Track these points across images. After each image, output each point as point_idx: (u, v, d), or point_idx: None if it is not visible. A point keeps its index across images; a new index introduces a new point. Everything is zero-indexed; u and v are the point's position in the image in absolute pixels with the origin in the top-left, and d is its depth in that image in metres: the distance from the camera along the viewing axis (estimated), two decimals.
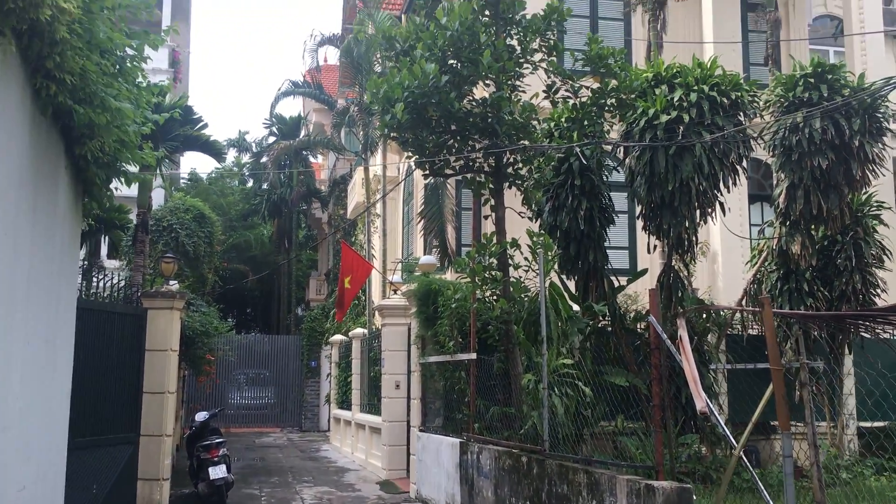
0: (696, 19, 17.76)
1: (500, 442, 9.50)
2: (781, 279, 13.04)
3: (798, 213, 12.27)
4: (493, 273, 9.93)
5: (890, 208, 13.89)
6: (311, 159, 35.13)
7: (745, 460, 12.78)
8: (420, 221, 16.70)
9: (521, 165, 10.38)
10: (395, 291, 15.26)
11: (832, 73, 11.97)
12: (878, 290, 13.04)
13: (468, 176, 10.64)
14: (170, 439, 11.38)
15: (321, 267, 36.71)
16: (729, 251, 16.96)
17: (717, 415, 5.96)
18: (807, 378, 5.20)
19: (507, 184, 10.45)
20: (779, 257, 12.97)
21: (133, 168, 7.36)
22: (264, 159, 34.58)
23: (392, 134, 9.81)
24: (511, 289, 10.11)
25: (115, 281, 11.66)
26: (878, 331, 9.86)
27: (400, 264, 18.33)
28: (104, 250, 20.65)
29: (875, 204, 13.32)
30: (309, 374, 27.52)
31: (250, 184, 40.57)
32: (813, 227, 12.57)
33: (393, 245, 21.32)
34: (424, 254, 17.20)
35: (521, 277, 10.22)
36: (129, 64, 5.95)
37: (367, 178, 20.48)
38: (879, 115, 11.92)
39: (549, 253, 9.76)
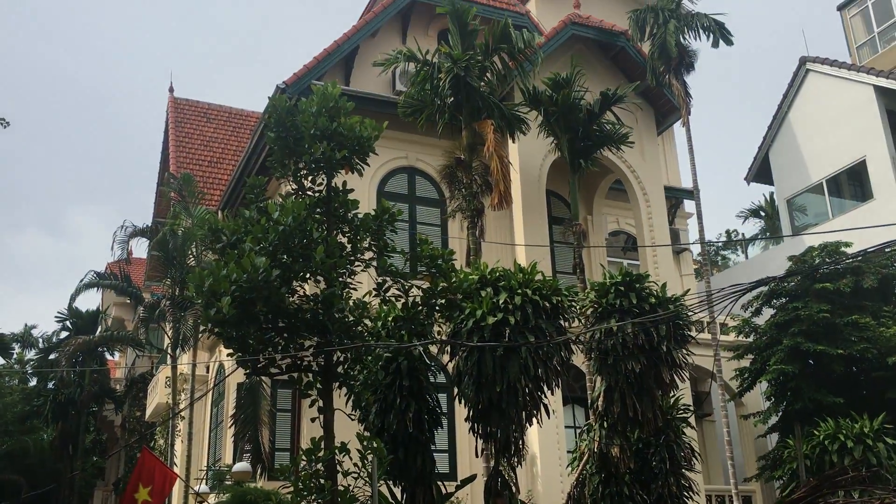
0: (509, 228, 18.84)
1: None
2: (602, 483, 13.10)
3: (616, 415, 12.60)
4: (321, 481, 9.22)
5: (694, 412, 14.67)
6: (108, 356, 32.73)
7: None
8: (232, 424, 15.60)
9: (350, 365, 10.01)
10: (200, 503, 13.85)
11: (639, 283, 12.80)
12: (692, 493, 13.41)
13: (294, 375, 10.09)
14: None
15: (109, 475, 33.23)
16: (547, 454, 17.05)
17: None
18: None
19: (338, 384, 10.00)
20: (599, 460, 13.10)
21: None
22: (53, 356, 31.78)
23: (216, 329, 9.22)
24: (339, 499, 9.38)
25: None
26: None
27: (209, 472, 16.85)
28: None
29: (682, 407, 13.98)
30: None
31: (33, 382, 36.88)
32: (629, 429, 12.92)
33: (198, 450, 19.70)
34: (235, 459, 15.94)
35: (349, 486, 9.55)
36: None
37: (175, 377, 19.17)
38: (682, 323, 12.80)
39: (381, 459, 9.24)
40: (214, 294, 8.88)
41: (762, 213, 36.02)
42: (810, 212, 25.13)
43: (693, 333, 13.14)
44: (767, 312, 19.33)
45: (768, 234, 34.11)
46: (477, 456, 12.64)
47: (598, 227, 21.85)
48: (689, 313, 12.64)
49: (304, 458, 9.14)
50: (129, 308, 35.14)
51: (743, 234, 38.55)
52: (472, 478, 12.05)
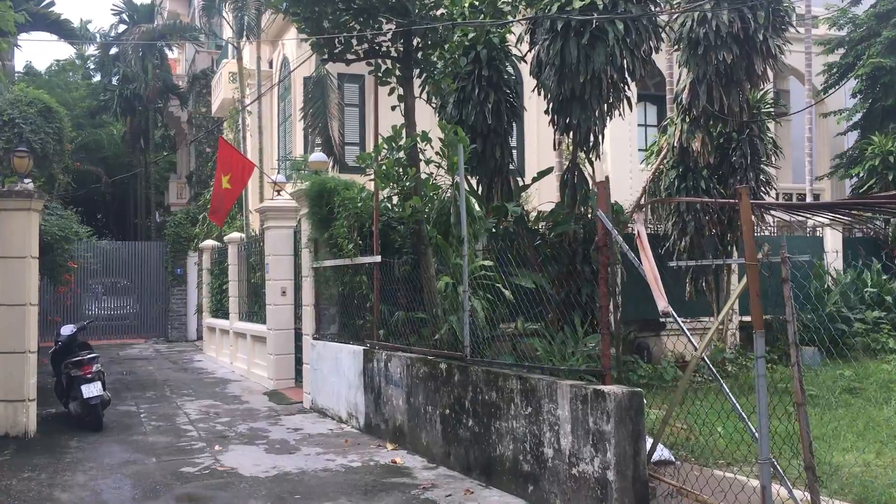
0: None
1: (414, 348, 8.91)
2: (679, 177, 12.93)
3: (700, 109, 12.10)
4: (404, 169, 9.13)
5: (784, 106, 14.04)
6: (167, 52, 32.41)
7: (636, 354, 12.77)
8: (301, 118, 15.50)
9: (430, 51, 9.46)
10: (278, 192, 14.15)
11: None
12: (769, 188, 13.22)
13: (372, 63, 9.62)
14: (34, 356, 10.13)
15: (181, 170, 34.49)
16: (619, 151, 16.86)
17: (676, 316, 5.58)
18: (788, 273, 4.81)
19: (418, 71, 9.54)
20: (678, 155, 12.83)
21: None
22: (114, 50, 31.59)
23: (290, 10, 8.65)
24: (422, 186, 9.36)
25: None
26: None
27: (286, 163, 17.11)
28: None
29: (770, 102, 13.35)
30: (175, 281, 25.97)
31: (97, 78, 37.16)
32: (712, 123, 12.47)
33: (268, 145, 19.96)
34: (304, 152, 16.09)
35: (431, 174, 9.47)
36: None
37: (241, 68, 18.85)
38: (782, 10, 11.79)
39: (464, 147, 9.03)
40: None
41: None
42: None
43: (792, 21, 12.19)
44: (867, 3, 17.81)
45: None
46: (555, 149, 12.43)
47: None
48: None
49: (384, 146, 8.97)
50: (183, 2, 34.16)
51: None
52: (548, 170, 11.95)
